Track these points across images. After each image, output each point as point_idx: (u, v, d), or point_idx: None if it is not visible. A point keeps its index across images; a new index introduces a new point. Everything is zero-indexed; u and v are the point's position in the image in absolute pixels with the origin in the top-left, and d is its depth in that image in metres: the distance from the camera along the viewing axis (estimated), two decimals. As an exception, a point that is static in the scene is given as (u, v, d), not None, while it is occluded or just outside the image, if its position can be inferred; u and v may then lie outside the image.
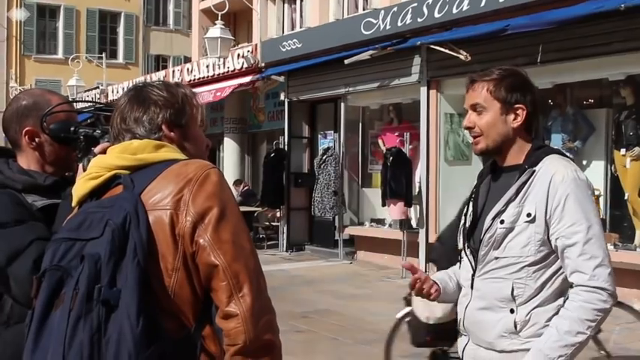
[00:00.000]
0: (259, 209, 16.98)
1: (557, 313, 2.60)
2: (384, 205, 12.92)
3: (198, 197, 1.94)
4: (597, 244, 2.52)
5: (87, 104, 2.36)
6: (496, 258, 2.67)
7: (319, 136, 16.15)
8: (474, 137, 2.76)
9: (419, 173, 12.84)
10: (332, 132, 15.63)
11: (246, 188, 18.06)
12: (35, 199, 2.44)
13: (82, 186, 2.07)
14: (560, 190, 2.55)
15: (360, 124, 15.31)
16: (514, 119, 2.71)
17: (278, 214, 16.54)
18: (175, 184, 1.96)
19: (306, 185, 15.64)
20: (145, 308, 1.82)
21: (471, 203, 2.89)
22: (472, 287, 2.79)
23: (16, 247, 2.26)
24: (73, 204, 2.10)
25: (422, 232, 12.39)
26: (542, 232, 2.58)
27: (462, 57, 10.96)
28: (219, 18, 16.64)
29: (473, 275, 2.79)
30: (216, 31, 16.39)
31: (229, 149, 19.43)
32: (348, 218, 15.08)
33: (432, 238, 11.58)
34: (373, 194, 14.33)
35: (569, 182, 2.55)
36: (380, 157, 13.79)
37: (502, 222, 2.64)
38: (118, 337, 1.79)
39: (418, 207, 12.81)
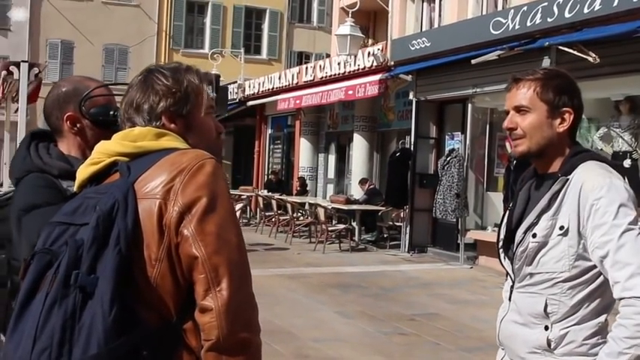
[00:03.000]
0: (383, 209, 16.90)
1: (597, 331, 2.43)
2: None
3: (188, 187, 1.91)
4: (632, 249, 2.27)
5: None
6: (530, 274, 2.52)
7: (446, 136, 15.91)
8: (515, 139, 2.59)
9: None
10: (459, 133, 15.37)
11: (371, 187, 18.01)
12: (70, 185, 2.48)
13: (83, 171, 2.09)
14: (591, 198, 2.36)
15: (488, 126, 14.97)
16: (560, 123, 2.54)
17: (402, 215, 16.41)
18: (168, 173, 1.93)
19: (431, 186, 15.40)
20: (122, 298, 1.81)
21: (507, 212, 2.74)
22: (510, 299, 2.66)
23: None
24: (75, 189, 2.13)
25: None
26: (576, 246, 2.41)
27: (590, 59, 10.49)
28: (351, 15, 16.66)
29: (512, 287, 2.65)
30: (345, 28, 16.44)
31: (358, 147, 19.42)
32: (472, 222, 14.81)
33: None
34: (498, 198, 13.98)
35: (600, 190, 2.35)
36: (506, 160, 13.43)
37: (534, 236, 2.48)
38: (89, 325, 1.79)
39: (541, 213, 12.36)
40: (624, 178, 2.48)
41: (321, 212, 16.34)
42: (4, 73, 9.75)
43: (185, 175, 1.92)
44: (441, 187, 14.31)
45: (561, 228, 2.42)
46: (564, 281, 2.44)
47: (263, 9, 41.14)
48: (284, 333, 8.29)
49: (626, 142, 11.15)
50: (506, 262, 2.66)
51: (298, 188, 21.75)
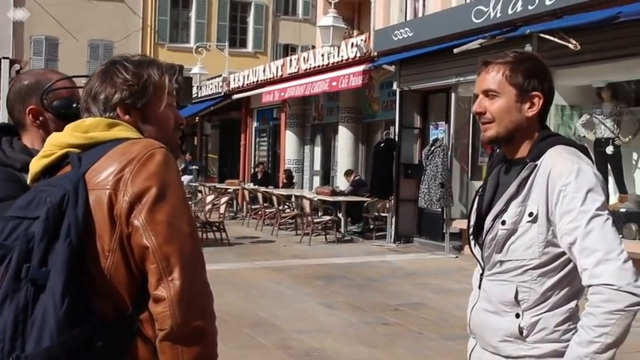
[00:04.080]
0: (369, 199, 16.89)
1: (568, 317, 2.40)
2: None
3: (138, 177, 1.89)
4: (599, 236, 2.24)
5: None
6: (500, 262, 2.49)
7: (431, 126, 15.89)
8: (484, 123, 2.55)
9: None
10: (443, 123, 15.35)
11: (357, 178, 18.00)
12: None
13: (35, 164, 2.07)
14: (559, 184, 2.32)
15: (471, 115, 14.93)
16: (529, 107, 2.49)
17: (387, 205, 16.40)
18: (119, 163, 1.92)
19: (416, 176, 15.39)
20: (75, 290, 1.80)
21: (476, 198, 2.70)
22: (480, 287, 2.63)
23: None
24: (28, 182, 2.10)
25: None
26: (546, 232, 2.37)
27: (571, 46, 10.49)
28: (333, 7, 16.61)
29: (481, 275, 2.62)
30: (328, 19, 16.39)
31: (343, 138, 19.41)
32: (457, 211, 14.80)
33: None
34: (482, 187, 13.94)
35: (568, 175, 2.31)
36: (490, 149, 13.40)
37: (503, 223, 2.44)
38: (42, 318, 1.78)
39: (525, 201, 12.37)
40: (607, 165, 2.44)
41: (306, 204, 16.32)
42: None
43: (135, 164, 1.90)
44: (425, 176, 14.29)
45: (530, 215, 2.38)
46: (534, 268, 2.40)
47: (248, 2, 41.10)
48: (267, 325, 8.28)
49: (609, 128, 11.16)
50: (476, 250, 2.63)
51: (285, 181, 21.72)
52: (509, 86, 2.48)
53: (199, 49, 27.53)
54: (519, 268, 2.43)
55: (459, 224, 14.43)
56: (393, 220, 15.97)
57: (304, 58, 20.45)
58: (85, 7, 36.95)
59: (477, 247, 2.63)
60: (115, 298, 1.90)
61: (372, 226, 17.30)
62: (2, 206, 2.30)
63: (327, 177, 21.82)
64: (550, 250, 2.38)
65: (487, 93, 2.52)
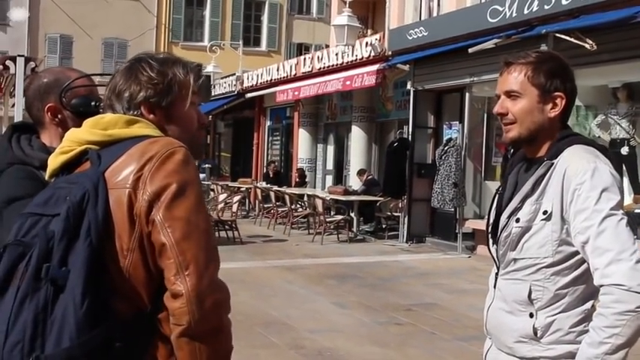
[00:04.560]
0: (381, 199, 16.85)
1: (583, 318, 2.36)
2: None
3: (157, 175, 1.88)
4: (612, 236, 2.20)
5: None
6: (514, 260, 2.46)
7: (444, 126, 15.85)
8: (506, 124, 2.52)
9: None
10: (457, 122, 15.30)
11: (370, 177, 17.95)
12: None
13: (53, 160, 2.05)
14: (574, 183, 2.29)
15: (485, 115, 14.90)
16: (552, 108, 2.46)
17: (400, 205, 16.35)
18: (138, 161, 1.90)
19: (430, 176, 15.33)
20: (94, 290, 1.78)
21: (496, 197, 2.67)
22: (495, 287, 2.60)
23: None
24: (47, 178, 2.09)
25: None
26: (559, 231, 2.34)
27: (587, 46, 10.41)
28: (348, 6, 16.59)
29: (497, 274, 2.59)
30: (343, 19, 16.37)
31: (357, 138, 19.37)
32: (471, 211, 14.76)
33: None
34: (495, 187, 13.83)
35: (583, 174, 2.28)
36: (504, 149, 13.36)
37: (518, 220, 2.42)
38: (61, 318, 1.76)
39: (539, 202, 12.30)
40: (622, 165, 2.41)
41: (319, 203, 16.30)
42: (0, 67, 9.72)
43: (154, 163, 1.89)
44: (438, 176, 14.24)
45: (545, 213, 2.36)
46: (548, 267, 2.38)
47: (262, 1, 41.18)
48: (280, 324, 8.25)
49: (624, 129, 11.08)
50: (493, 248, 2.61)
51: (297, 179, 21.70)
52: (532, 87, 2.45)
53: (213, 48, 27.57)
54: (533, 267, 2.41)
55: (472, 224, 14.40)
56: (406, 219, 15.91)
57: (318, 57, 20.41)
58: (99, 5, 37.11)
59: (494, 245, 2.60)
60: (133, 298, 1.89)
61: (384, 226, 17.24)
62: (21, 204, 2.30)
63: (339, 176, 21.78)
64: (564, 249, 2.36)
65: (509, 94, 2.49)
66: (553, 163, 2.38)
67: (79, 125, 2.46)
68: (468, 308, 9.36)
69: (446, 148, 14.24)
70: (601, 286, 2.21)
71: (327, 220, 16.26)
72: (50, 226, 1.85)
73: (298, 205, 18.75)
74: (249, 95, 25.05)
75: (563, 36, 11.08)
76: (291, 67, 22.18)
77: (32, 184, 2.37)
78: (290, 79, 21.95)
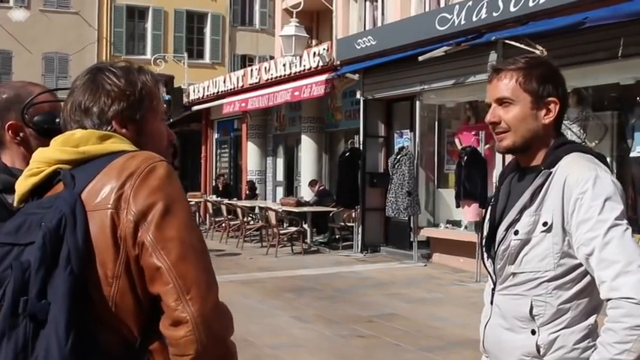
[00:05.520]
0: (335, 209, 16.76)
1: (587, 334, 2.27)
2: (458, 206, 12.53)
3: (140, 193, 1.72)
4: (618, 247, 2.12)
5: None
6: (513, 274, 2.36)
7: (395, 135, 15.85)
8: (498, 133, 2.42)
9: (495, 174, 12.38)
10: (408, 131, 15.33)
11: (321, 188, 17.88)
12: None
13: (22, 184, 1.87)
14: (575, 192, 2.20)
15: (437, 123, 14.94)
16: (546, 114, 2.37)
17: (353, 215, 16.29)
18: (117, 179, 1.74)
19: (382, 185, 15.32)
20: (79, 322, 1.62)
21: (489, 209, 2.57)
22: (492, 303, 2.49)
23: None
24: (15, 204, 1.90)
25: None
26: (561, 243, 2.25)
27: (537, 52, 10.47)
28: (295, 16, 16.52)
29: (493, 290, 2.48)
30: (290, 29, 16.29)
31: (307, 148, 19.27)
32: (424, 219, 14.73)
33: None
34: (449, 195, 13.92)
35: (584, 183, 2.19)
36: (456, 156, 13.37)
37: (516, 233, 2.32)
38: (44, 357, 1.59)
39: (494, 208, 12.33)
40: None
41: (272, 215, 16.15)
42: None
43: (135, 179, 1.73)
44: (392, 185, 14.19)
45: (545, 224, 2.27)
46: (549, 281, 2.28)
47: (204, 12, 40.79)
48: (240, 341, 7.96)
49: (575, 133, 11.16)
50: (489, 263, 2.50)
51: (247, 192, 21.52)
52: (524, 93, 2.37)
53: (157, 61, 27.24)
54: (533, 281, 2.31)
55: (427, 232, 14.41)
56: (360, 229, 15.85)
57: (265, 68, 20.27)
58: (38, 20, 36.41)
59: (489, 259, 2.50)
60: (121, 329, 1.73)
61: (337, 236, 17.17)
62: None
63: (290, 187, 21.65)
64: (566, 262, 2.27)
65: (501, 101, 2.40)
66: (551, 172, 2.30)
67: (42, 144, 2.27)
68: (429, 317, 9.33)
69: (398, 157, 14.21)
70: (609, 299, 2.12)
71: (281, 232, 16.11)
72: (23, 256, 1.68)
73: (250, 218, 18.56)
74: (195, 108, 24.80)
75: (512, 42, 11.13)
76: (237, 78, 21.99)
77: None
78: (237, 91, 21.75)
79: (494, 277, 2.47)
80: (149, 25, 39.91)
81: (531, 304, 2.31)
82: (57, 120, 2.32)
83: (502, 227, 2.39)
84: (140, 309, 1.74)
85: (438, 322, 9.03)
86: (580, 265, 2.25)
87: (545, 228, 2.27)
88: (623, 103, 11.08)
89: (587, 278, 2.26)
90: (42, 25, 36.31)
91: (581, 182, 2.20)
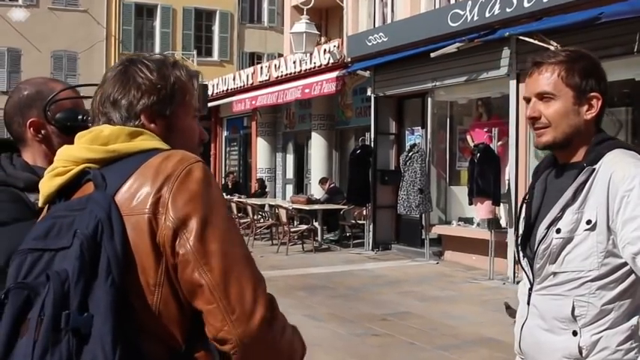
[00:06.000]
0: (345, 207, 16.69)
1: (630, 335, 2.20)
2: (470, 203, 12.42)
3: (179, 198, 1.62)
4: None
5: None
6: (554, 273, 2.28)
7: (406, 132, 15.76)
8: (538, 129, 2.34)
9: (508, 171, 12.29)
10: (419, 128, 15.24)
11: (332, 185, 17.81)
12: (38, 198, 2.21)
13: (47, 183, 1.77)
14: (621, 190, 2.12)
15: (448, 120, 14.85)
16: (588, 110, 2.30)
17: (364, 212, 16.21)
18: (153, 182, 1.64)
19: (393, 183, 15.26)
20: (123, 335, 1.53)
21: (524, 206, 2.49)
22: (529, 303, 2.41)
23: (17, 246, 2.03)
24: (40, 204, 1.82)
25: (510, 231, 11.80)
26: (605, 242, 2.17)
27: (552, 48, 10.36)
28: (305, 13, 16.46)
29: (530, 290, 2.40)
30: (301, 26, 16.23)
31: (317, 146, 19.23)
32: (436, 217, 14.66)
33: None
34: (461, 192, 13.84)
35: (631, 180, 2.11)
36: (468, 153, 13.25)
37: (558, 231, 2.24)
38: None
39: (507, 206, 12.27)
40: None
41: (282, 213, 16.08)
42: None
43: (173, 183, 1.63)
44: (404, 182, 14.11)
45: (588, 222, 2.19)
46: (592, 280, 2.20)
47: (213, 10, 40.77)
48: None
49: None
50: (525, 262, 2.42)
51: (257, 190, 21.46)
52: (566, 87, 2.29)
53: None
54: (576, 280, 2.23)
55: (439, 230, 14.33)
56: (371, 227, 15.78)
57: (275, 65, 20.22)
58: (47, 18, 36.47)
59: (524, 258, 2.42)
60: (166, 338, 1.65)
61: (348, 234, 17.10)
62: (8, 230, 2.05)
63: (300, 185, 21.60)
64: (610, 261, 2.19)
65: (541, 96, 2.32)
66: (594, 169, 2.22)
67: (64, 141, 2.18)
68: (443, 316, 9.25)
69: (410, 154, 14.12)
70: None
71: (292, 230, 16.05)
72: (55, 261, 1.59)
73: (260, 216, 18.50)
74: (204, 106, 24.74)
75: (526, 38, 11.04)
76: (247, 76, 21.96)
77: (17, 208, 2.12)
78: (247, 89, 21.71)
79: (531, 277, 2.39)
80: (157, 22, 39.92)
81: (573, 305, 2.24)
82: (79, 117, 2.27)
83: (543, 225, 2.31)
84: (184, 316, 1.66)
85: (452, 321, 8.95)
86: (624, 264, 2.17)
87: (589, 226, 2.19)
88: (638, 99, 10.97)
89: (631, 278, 2.19)
90: (50, 23, 36.36)
91: (627, 179, 2.13)
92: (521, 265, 2.47)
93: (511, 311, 9.63)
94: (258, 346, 1.62)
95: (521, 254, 2.46)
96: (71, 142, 2.11)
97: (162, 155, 1.70)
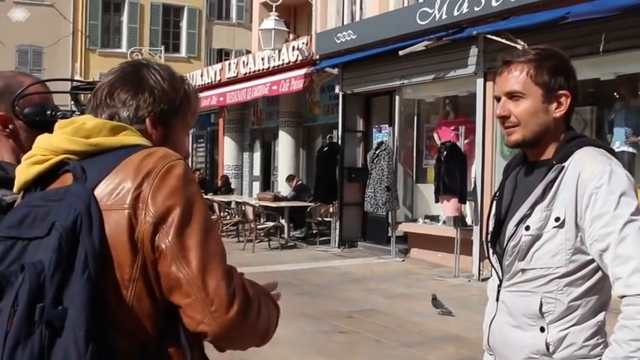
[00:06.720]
0: (312, 204, 16.68)
1: (597, 331, 2.21)
2: (437, 201, 12.47)
3: (159, 194, 1.63)
4: (635, 242, 2.05)
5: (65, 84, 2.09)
6: (522, 270, 2.29)
7: (374, 129, 15.77)
8: (507, 127, 2.35)
9: (474, 169, 12.35)
10: (387, 126, 15.26)
11: (299, 183, 17.80)
12: (5, 194, 2.15)
13: (25, 171, 1.75)
14: (590, 187, 2.13)
15: (416, 118, 14.89)
16: (557, 108, 2.31)
17: (331, 210, 16.21)
18: (134, 178, 1.64)
19: (360, 180, 15.29)
20: (96, 329, 1.52)
21: (494, 203, 2.48)
22: (498, 300, 2.41)
23: None
24: (15, 190, 1.80)
25: (476, 229, 11.86)
26: (574, 239, 2.18)
27: (519, 47, 10.42)
28: (274, 10, 16.41)
29: (499, 286, 2.40)
30: (270, 23, 16.19)
31: (284, 143, 19.20)
32: (402, 214, 14.69)
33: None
34: (428, 190, 13.89)
35: (599, 177, 2.13)
36: (435, 151, 13.30)
37: (527, 228, 2.25)
38: None
39: (473, 204, 12.34)
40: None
41: (249, 210, 16.04)
42: None
43: (153, 179, 1.64)
44: (371, 180, 14.12)
45: (557, 219, 2.20)
46: (561, 277, 2.22)
47: (181, 6, 40.53)
48: (219, 336, 7.95)
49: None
50: (494, 259, 2.42)
51: (221, 187, 21.39)
52: (535, 86, 2.30)
53: (133, 55, 27.02)
54: (544, 277, 2.24)
55: (405, 227, 14.36)
56: (337, 224, 15.78)
57: (243, 62, 20.14)
58: (12, 12, 35.95)
59: (494, 255, 2.42)
60: (137, 333, 1.65)
61: (315, 232, 17.09)
62: None
63: (267, 182, 21.56)
64: (578, 258, 2.20)
65: (511, 95, 2.33)
66: (564, 167, 2.22)
67: (31, 137, 2.15)
68: (409, 313, 9.27)
69: (377, 152, 14.14)
70: (624, 296, 2.05)
71: (258, 227, 16.00)
72: (28, 251, 1.57)
73: (226, 213, 18.43)
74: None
75: (494, 37, 11.10)
76: (215, 72, 21.85)
77: None
78: (214, 85, 21.60)
79: (500, 274, 2.39)
80: (125, 18, 39.55)
81: (541, 301, 2.24)
82: (48, 112, 2.23)
83: (512, 222, 2.32)
84: (157, 312, 1.66)
85: (417, 318, 8.97)
86: (591, 261, 2.19)
87: (557, 223, 2.20)
88: (603, 99, 11.08)
89: (598, 275, 2.20)
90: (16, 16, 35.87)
91: (596, 177, 2.14)
92: (490, 262, 2.47)
93: (436, 302, 9.84)
94: (238, 332, 1.64)
95: (490, 251, 2.46)
96: (39, 137, 2.07)
97: (145, 152, 1.71)
